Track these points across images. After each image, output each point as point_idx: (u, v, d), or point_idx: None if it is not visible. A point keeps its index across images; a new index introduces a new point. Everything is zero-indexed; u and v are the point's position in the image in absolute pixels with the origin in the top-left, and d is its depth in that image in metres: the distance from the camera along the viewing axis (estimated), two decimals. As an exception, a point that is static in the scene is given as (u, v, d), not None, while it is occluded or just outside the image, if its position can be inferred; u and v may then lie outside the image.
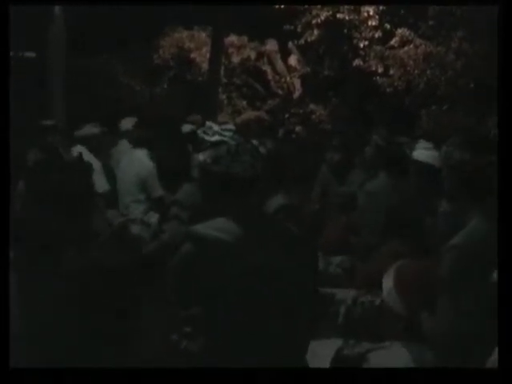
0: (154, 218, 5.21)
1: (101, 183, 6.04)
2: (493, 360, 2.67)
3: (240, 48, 13.89)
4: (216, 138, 2.97)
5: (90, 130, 6.90)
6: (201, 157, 2.91)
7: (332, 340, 3.90)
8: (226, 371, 2.80)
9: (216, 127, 2.99)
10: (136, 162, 5.79)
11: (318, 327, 3.91)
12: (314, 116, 12.97)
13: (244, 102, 13.59)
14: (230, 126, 3.11)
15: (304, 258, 3.31)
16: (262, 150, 4.53)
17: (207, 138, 2.93)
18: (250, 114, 13.10)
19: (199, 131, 2.91)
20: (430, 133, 8.68)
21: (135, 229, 5.06)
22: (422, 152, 4.81)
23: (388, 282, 3.66)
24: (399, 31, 12.05)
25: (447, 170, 3.35)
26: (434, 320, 3.31)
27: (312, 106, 13.20)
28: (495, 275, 3.06)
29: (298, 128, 11.60)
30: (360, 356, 3.49)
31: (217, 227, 2.82)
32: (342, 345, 3.64)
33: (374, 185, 4.90)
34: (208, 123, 3.10)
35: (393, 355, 3.42)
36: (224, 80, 13.37)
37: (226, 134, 2.99)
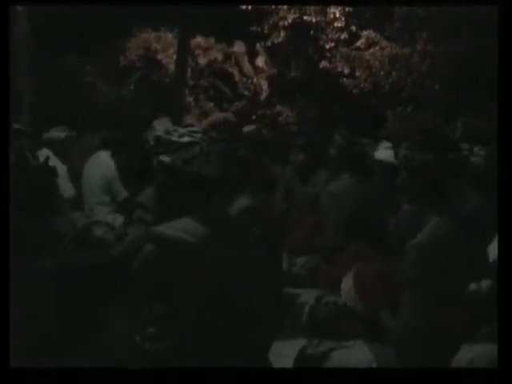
0: (118, 219, 5.18)
1: (66, 187, 6.02)
2: (458, 359, 2.69)
3: (207, 50, 13.86)
4: (186, 139, 2.97)
5: (56, 133, 6.88)
6: (168, 158, 2.91)
7: (296, 340, 3.93)
8: (188, 371, 2.81)
9: (182, 129, 2.99)
10: (101, 164, 5.77)
11: (282, 327, 3.93)
12: (280, 117, 13.00)
13: (211, 104, 13.57)
14: (197, 128, 3.11)
15: (267, 259, 3.33)
16: (227, 151, 4.55)
17: (174, 139, 2.93)
18: (217, 116, 13.12)
19: (162, 133, 2.91)
20: (396, 134, 8.74)
21: (99, 231, 5.02)
22: (384, 152, 4.84)
23: (346, 284, 3.70)
24: (365, 33, 12.14)
25: (406, 171, 3.39)
26: (396, 319, 3.35)
27: (279, 108, 13.23)
28: (455, 274, 3.10)
29: (265, 129, 11.59)
30: (323, 355, 3.53)
31: (180, 228, 2.82)
32: (306, 344, 3.67)
33: (336, 185, 4.94)
34: (171, 126, 3.11)
35: (355, 354, 3.45)
36: (191, 82, 13.33)
37: (196, 135, 2.99)
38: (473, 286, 2.97)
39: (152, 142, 2.98)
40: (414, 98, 10.88)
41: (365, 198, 4.65)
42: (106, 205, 5.83)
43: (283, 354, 3.77)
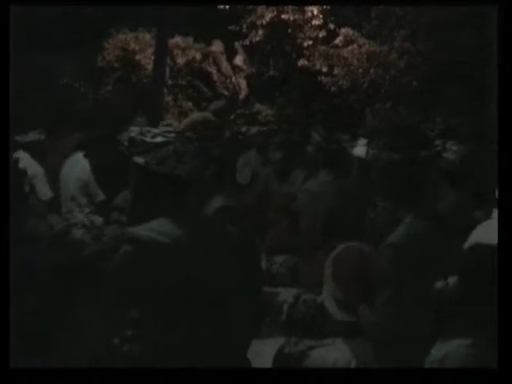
0: (97, 221, 5.16)
1: (44, 190, 5.98)
2: (431, 360, 2.70)
3: (185, 49, 13.83)
4: (159, 139, 2.95)
5: (33, 135, 6.82)
6: (141, 159, 2.89)
7: (275, 338, 3.92)
8: (168, 372, 2.80)
9: (156, 129, 2.98)
10: (77, 166, 5.72)
11: (260, 326, 3.93)
12: (260, 116, 13.00)
13: (190, 104, 13.55)
14: (171, 128, 3.09)
15: (244, 258, 3.32)
16: (203, 150, 4.53)
17: (148, 140, 2.92)
18: (196, 116, 13.08)
19: (136, 134, 2.89)
20: (375, 130, 8.76)
21: (77, 232, 5.01)
22: (362, 148, 4.84)
23: (327, 269, 3.69)
24: (343, 31, 12.16)
25: (376, 170, 3.39)
26: (373, 316, 3.35)
27: (258, 106, 13.24)
28: (431, 272, 3.11)
29: (244, 128, 11.60)
30: (301, 353, 3.52)
31: (154, 229, 2.81)
32: (284, 343, 3.66)
33: (314, 184, 4.93)
34: (146, 127, 3.09)
35: (334, 352, 3.45)
36: (169, 81, 13.31)
37: (170, 135, 2.97)
38: (439, 284, 2.98)
39: (126, 143, 2.96)
40: (392, 95, 10.92)
41: (343, 195, 4.64)
42: (83, 207, 5.78)
43: (262, 352, 3.77)
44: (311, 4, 12.27)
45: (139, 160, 2.89)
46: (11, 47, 3.28)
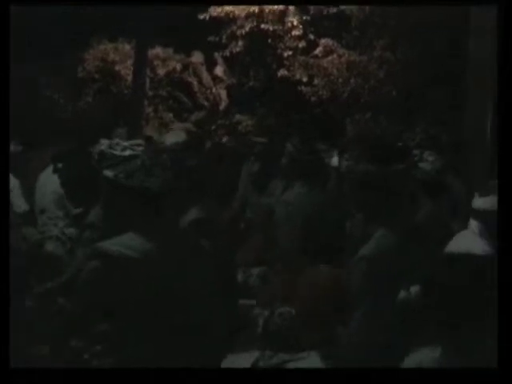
0: (72, 235, 5.10)
1: (18, 203, 5.93)
2: (407, 364, 2.68)
3: (165, 60, 13.81)
4: (128, 152, 2.91)
5: (11, 149, 6.77)
6: (110, 173, 2.85)
7: (250, 352, 3.88)
8: (166, 372, 2.76)
9: (125, 142, 2.94)
10: (53, 178, 5.67)
11: (236, 340, 3.89)
12: (240, 126, 12.98)
13: (170, 115, 13.51)
14: (140, 141, 3.06)
15: (217, 271, 3.28)
16: (180, 162, 4.49)
17: (117, 153, 2.88)
18: (176, 127, 13.05)
19: (105, 147, 2.85)
20: (352, 141, 8.77)
21: (50, 246, 4.95)
22: (335, 160, 4.85)
23: (302, 290, 3.67)
24: (323, 41, 12.17)
25: (352, 181, 3.38)
26: (348, 330, 3.33)
27: (238, 117, 13.22)
28: (403, 285, 3.09)
29: (224, 139, 11.58)
30: (276, 367, 3.49)
31: (124, 243, 2.77)
32: (258, 356, 3.63)
33: (290, 195, 4.91)
34: (114, 140, 3.06)
35: (309, 366, 3.42)
36: (150, 92, 13.27)
37: (138, 148, 2.94)
38: (403, 294, 2.97)
39: (96, 157, 2.91)
40: (372, 104, 10.94)
41: (319, 206, 4.63)
42: (59, 219, 5.73)
43: (237, 366, 3.73)
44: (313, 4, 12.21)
45: (108, 173, 2.85)
46: (11, 47, 3.28)
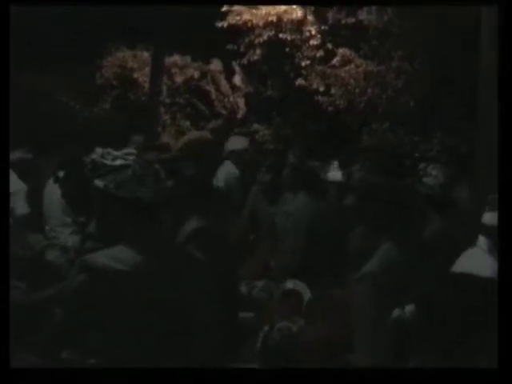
0: (75, 243, 5.08)
1: (20, 204, 5.93)
2: None
3: (183, 68, 13.79)
4: (119, 162, 2.86)
5: (21, 154, 6.80)
6: (101, 182, 2.80)
7: (250, 367, 3.82)
8: (167, 372, 2.73)
9: (117, 152, 2.89)
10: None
11: (234, 354, 3.82)
12: (257, 135, 12.92)
13: (187, 123, 13.48)
14: (132, 150, 3.00)
15: (217, 283, 3.22)
16: (178, 172, 4.43)
17: (108, 162, 2.83)
18: (193, 134, 13.03)
19: (97, 157, 2.80)
20: (368, 151, 8.68)
21: (51, 255, 4.93)
22: (338, 172, 4.78)
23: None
24: (340, 51, 12.10)
25: (356, 193, 3.31)
26: (355, 355, 3.25)
27: (256, 126, 13.17)
28: (410, 308, 3.01)
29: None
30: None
31: (112, 256, 2.71)
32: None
33: (292, 206, 4.85)
34: (106, 149, 3.01)
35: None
36: (167, 100, 13.26)
37: (130, 157, 2.88)
38: (396, 312, 2.90)
39: (89, 166, 2.86)
40: (390, 115, 10.86)
41: (321, 218, 4.56)
42: (67, 226, 5.72)
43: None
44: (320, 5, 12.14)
45: (99, 183, 2.80)
46: (11, 47, 3.28)
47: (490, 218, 3.76)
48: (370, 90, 11.27)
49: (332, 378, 2.80)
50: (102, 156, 2.82)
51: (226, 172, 6.79)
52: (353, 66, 11.66)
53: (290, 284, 4.43)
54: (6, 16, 3.14)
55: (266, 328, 3.86)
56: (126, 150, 2.90)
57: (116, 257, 2.69)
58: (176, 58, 13.65)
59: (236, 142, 7.61)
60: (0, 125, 3.02)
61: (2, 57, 3.08)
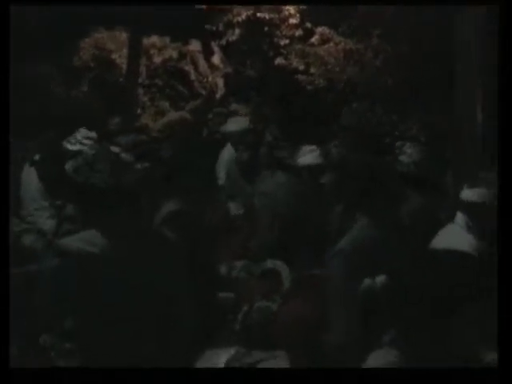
0: (52, 226, 5.03)
1: None
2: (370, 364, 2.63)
3: (162, 48, 13.69)
4: (76, 147, 2.83)
5: None
6: (67, 167, 2.77)
7: (229, 348, 3.80)
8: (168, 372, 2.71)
9: (79, 136, 2.85)
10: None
11: (214, 335, 3.81)
12: (237, 115, 12.86)
13: (167, 103, 13.40)
14: (92, 134, 2.95)
15: (194, 265, 3.21)
16: (162, 154, 4.40)
17: (70, 147, 2.80)
18: (172, 115, 12.97)
19: (65, 141, 2.77)
20: (348, 130, 8.67)
21: (28, 239, 4.89)
22: (310, 156, 4.77)
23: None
24: (319, 29, 12.06)
25: (334, 172, 3.31)
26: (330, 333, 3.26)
27: (235, 106, 13.10)
28: (380, 279, 3.01)
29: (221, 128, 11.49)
30: (250, 366, 3.42)
31: (85, 239, 2.70)
32: (233, 355, 3.55)
33: (268, 186, 4.84)
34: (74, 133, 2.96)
35: (284, 365, 3.35)
36: (146, 81, 13.18)
37: (86, 142, 2.84)
38: (367, 282, 2.90)
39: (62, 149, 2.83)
40: (369, 93, 10.83)
41: (299, 197, 4.55)
42: (45, 209, 5.67)
43: (217, 363, 3.65)
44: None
45: (67, 167, 2.78)
46: (11, 47, 3.28)
47: (468, 194, 3.77)
48: (349, 69, 11.24)
49: (331, 378, 2.80)
50: (68, 140, 2.78)
51: (227, 156, 6.63)
52: (332, 44, 11.62)
53: (269, 264, 4.43)
54: (6, 16, 3.15)
55: (246, 308, 3.86)
56: (86, 134, 2.86)
57: (89, 240, 2.67)
58: (154, 38, 13.54)
59: (234, 124, 7.41)
60: (0, 124, 3.01)
61: (1, 57, 3.08)
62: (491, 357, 2.51)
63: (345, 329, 3.13)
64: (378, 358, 2.62)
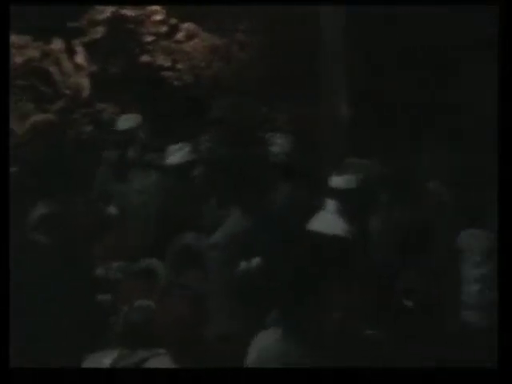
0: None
1: None
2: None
3: (23, 48, 13.26)
4: None
5: None
6: None
7: (113, 350, 3.76)
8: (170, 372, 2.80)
9: None
10: None
11: (95, 338, 3.77)
12: (104, 114, 12.65)
13: (32, 106, 13.00)
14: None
15: (69, 270, 3.17)
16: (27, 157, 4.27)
17: None
18: (37, 117, 12.59)
19: None
20: (216, 124, 8.71)
21: None
22: (179, 154, 4.78)
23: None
24: (185, 25, 12.05)
25: (206, 166, 3.32)
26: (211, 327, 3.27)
27: (102, 105, 12.88)
28: (256, 260, 3.06)
29: (88, 128, 11.29)
30: (136, 366, 3.39)
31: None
32: (117, 356, 3.52)
33: (143, 184, 4.82)
34: None
35: (168, 362, 3.34)
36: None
37: None
38: (243, 264, 2.95)
39: None
40: (236, 87, 10.94)
41: (173, 194, 4.54)
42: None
43: (101, 365, 3.60)
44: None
45: None
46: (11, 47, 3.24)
47: (337, 181, 3.89)
48: (215, 64, 11.31)
49: (331, 378, 2.80)
50: None
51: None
52: (198, 40, 11.64)
53: (145, 263, 4.41)
54: (6, 16, 3.09)
55: (126, 308, 3.82)
56: None
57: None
58: (14, 37, 13.09)
59: (126, 121, 7.11)
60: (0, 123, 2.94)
61: (1, 56, 3.00)
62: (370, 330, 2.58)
63: (226, 318, 3.16)
64: (264, 340, 2.67)
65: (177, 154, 4.83)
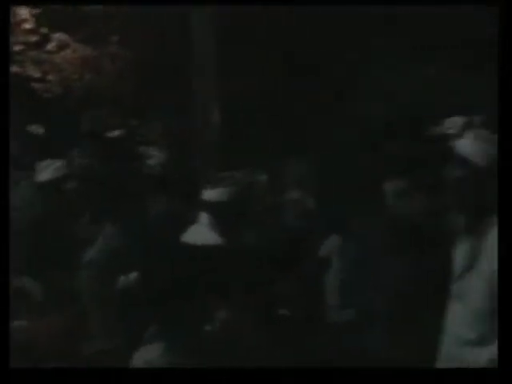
0: None
1: None
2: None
3: None
4: None
5: None
6: None
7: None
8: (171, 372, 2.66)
9: None
10: None
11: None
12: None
13: None
14: None
15: None
16: None
17: None
18: None
19: None
20: (88, 137, 8.63)
21: None
22: (47, 171, 4.74)
23: None
24: (56, 35, 11.82)
25: (75, 181, 3.32)
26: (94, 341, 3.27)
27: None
28: (133, 274, 3.07)
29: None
30: None
31: None
32: None
33: (16, 201, 4.73)
34: None
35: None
36: None
37: None
38: (122, 279, 2.98)
39: None
40: (108, 99, 10.86)
41: (44, 209, 4.49)
42: None
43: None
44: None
45: None
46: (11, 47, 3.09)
47: (209, 195, 3.98)
48: (87, 76, 11.18)
49: (330, 377, 2.77)
50: None
51: None
52: (69, 51, 11.46)
53: (19, 282, 4.32)
54: (6, 16, 2.97)
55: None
56: None
57: None
58: None
59: None
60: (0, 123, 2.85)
61: (1, 56, 2.90)
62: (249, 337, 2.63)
63: (105, 333, 3.17)
64: (143, 356, 2.71)
65: (49, 170, 4.76)
